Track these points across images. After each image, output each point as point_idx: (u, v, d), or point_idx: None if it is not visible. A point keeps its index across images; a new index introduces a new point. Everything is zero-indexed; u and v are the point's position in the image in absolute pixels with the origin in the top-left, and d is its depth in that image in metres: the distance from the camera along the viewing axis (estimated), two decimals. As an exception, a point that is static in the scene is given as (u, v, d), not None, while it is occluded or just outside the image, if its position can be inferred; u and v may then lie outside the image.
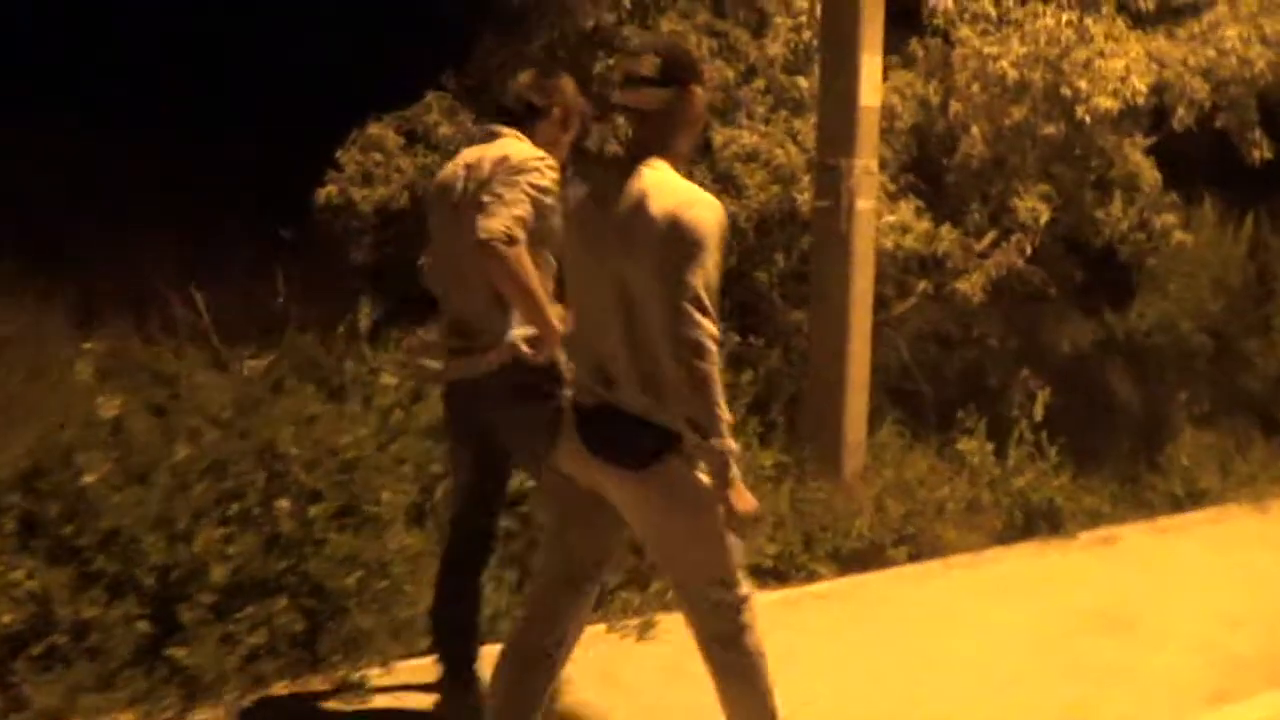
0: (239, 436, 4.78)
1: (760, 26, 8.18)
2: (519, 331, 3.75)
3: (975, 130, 7.08)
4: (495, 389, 3.79)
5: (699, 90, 3.18)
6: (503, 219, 3.51)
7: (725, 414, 2.94)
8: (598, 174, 3.40)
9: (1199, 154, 8.91)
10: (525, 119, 3.91)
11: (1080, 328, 9.08)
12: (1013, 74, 6.92)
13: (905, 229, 7.02)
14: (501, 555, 4.71)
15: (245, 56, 9.25)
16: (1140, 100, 6.79)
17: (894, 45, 7.80)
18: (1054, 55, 6.89)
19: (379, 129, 8.32)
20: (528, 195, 3.60)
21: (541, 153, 3.76)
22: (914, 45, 7.65)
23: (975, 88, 7.31)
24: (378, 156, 8.31)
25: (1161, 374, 9.02)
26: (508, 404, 3.78)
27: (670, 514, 3.13)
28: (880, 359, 7.22)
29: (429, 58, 8.70)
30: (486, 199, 3.61)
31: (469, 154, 3.92)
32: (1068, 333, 8.71)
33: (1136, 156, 7.42)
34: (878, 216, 6.64)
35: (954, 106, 7.14)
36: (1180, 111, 7.31)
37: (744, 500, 2.99)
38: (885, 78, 7.32)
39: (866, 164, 6.36)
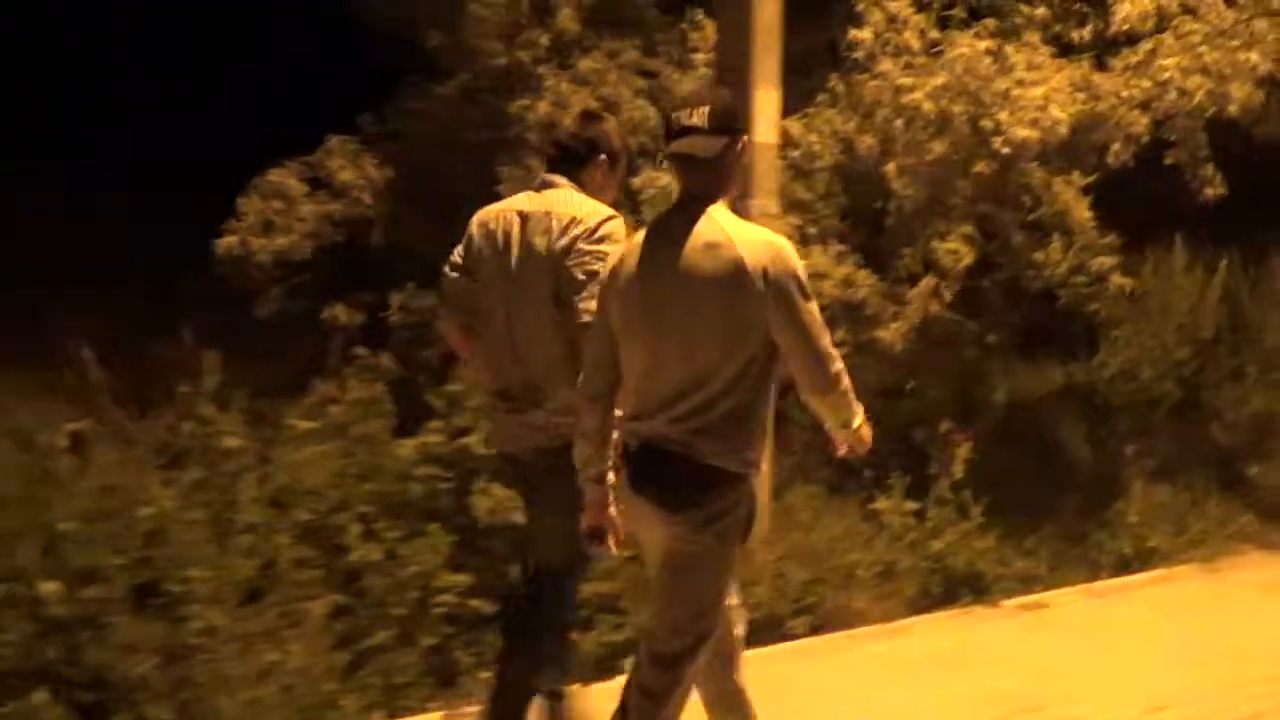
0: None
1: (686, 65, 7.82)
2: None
3: (892, 168, 6.61)
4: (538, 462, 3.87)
5: (744, 140, 3.38)
6: (597, 299, 3.47)
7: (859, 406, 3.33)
8: (651, 228, 3.42)
9: (1166, 193, 8.54)
10: (573, 165, 3.89)
11: (1029, 378, 8.57)
12: (929, 106, 6.48)
13: (823, 275, 6.54)
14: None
15: (147, 101, 8.89)
16: (1062, 130, 6.32)
17: (817, 82, 7.44)
18: (973, 86, 6.45)
19: (280, 175, 7.92)
20: (608, 265, 3.49)
21: (610, 211, 3.78)
22: (834, 82, 7.21)
23: (899, 123, 6.86)
24: (278, 204, 7.91)
25: (1116, 426, 8.49)
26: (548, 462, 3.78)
27: (705, 543, 3.24)
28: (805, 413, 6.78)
29: (340, 101, 8.36)
30: (580, 276, 3.64)
31: (523, 200, 3.90)
32: (1010, 383, 8.18)
33: (1067, 195, 6.92)
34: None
35: (866, 142, 6.68)
36: (1116, 146, 6.83)
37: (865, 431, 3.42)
38: (803, 116, 6.95)
39: (764, 204, 5.93)
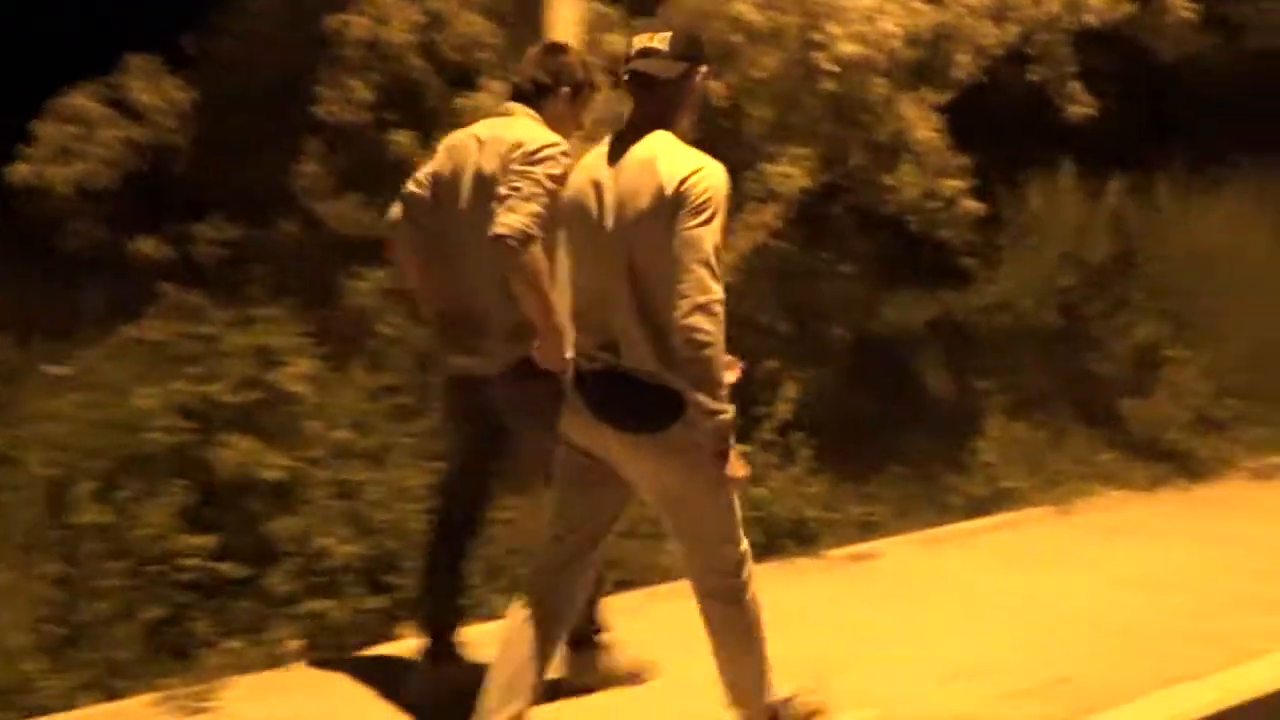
0: None
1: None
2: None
3: (721, 85, 6.06)
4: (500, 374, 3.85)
5: (704, 70, 3.33)
6: (521, 215, 3.52)
7: (726, 379, 3.09)
8: (601, 149, 3.37)
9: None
10: (534, 97, 3.92)
11: (893, 310, 8.10)
12: (756, 18, 5.93)
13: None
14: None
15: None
16: (895, 44, 5.79)
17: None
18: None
19: (78, 98, 7.30)
20: (544, 188, 3.57)
21: (556, 138, 3.73)
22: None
23: (735, 37, 6.29)
24: (75, 129, 7.29)
25: (986, 361, 8.05)
26: (511, 385, 3.81)
27: (685, 474, 3.20)
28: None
29: (151, 19, 7.72)
30: (504, 191, 3.61)
31: (482, 127, 3.95)
32: (867, 317, 7.71)
33: (911, 113, 6.40)
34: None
35: None
36: (961, 58, 6.32)
37: (736, 465, 3.17)
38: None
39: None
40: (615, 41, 6.29)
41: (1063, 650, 4.69)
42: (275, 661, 4.43)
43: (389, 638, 4.68)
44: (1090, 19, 6.44)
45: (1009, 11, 6.34)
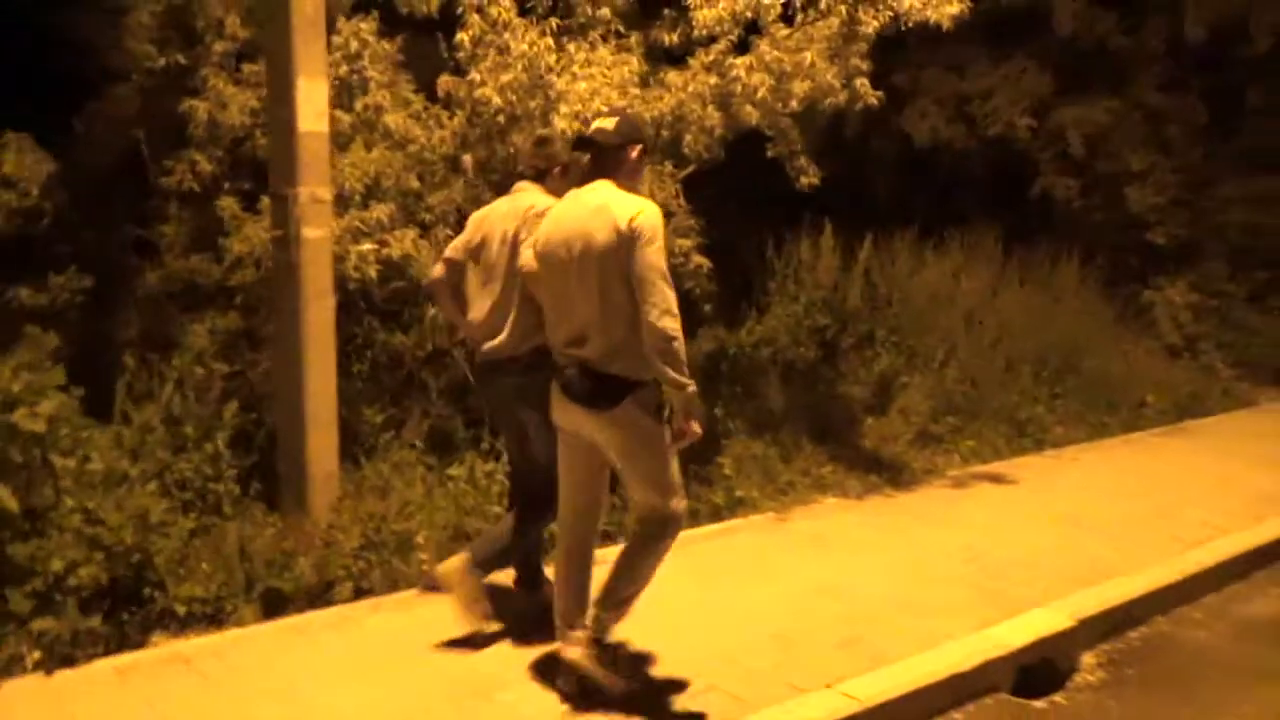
0: None
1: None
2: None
3: (468, 159, 5.71)
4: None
5: (639, 147, 3.75)
6: None
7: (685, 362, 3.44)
8: (566, 199, 3.80)
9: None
10: (534, 178, 4.39)
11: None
12: (498, 101, 5.58)
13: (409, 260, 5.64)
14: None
15: None
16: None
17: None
18: (536, 82, 5.57)
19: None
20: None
21: (554, 201, 4.03)
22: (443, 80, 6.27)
23: (499, 117, 5.96)
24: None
25: (756, 387, 7.74)
26: (519, 373, 4.22)
27: (632, 440, 3.58)
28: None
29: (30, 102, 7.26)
30: (524, 236, 4.11)
31: (502, 203, 4.42)
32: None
33: (650, 182, 6.08)
34: (341, 245, 5.28)
35: (439, 135, 5.76)
36: (688, 139, 6.01)
37: (696, 427, 3.56)
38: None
39: (314, 191, 5.04)
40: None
41: (720, 658, 4.36)
42: (7, 673, 4.00)
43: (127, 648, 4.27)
44: (795, 104, 6.11)
45: (731, 99, 6.00)
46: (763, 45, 6.12)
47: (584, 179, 3.72)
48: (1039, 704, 4.52)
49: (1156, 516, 6.67)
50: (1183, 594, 5.60)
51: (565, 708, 3.83)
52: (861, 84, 6.33)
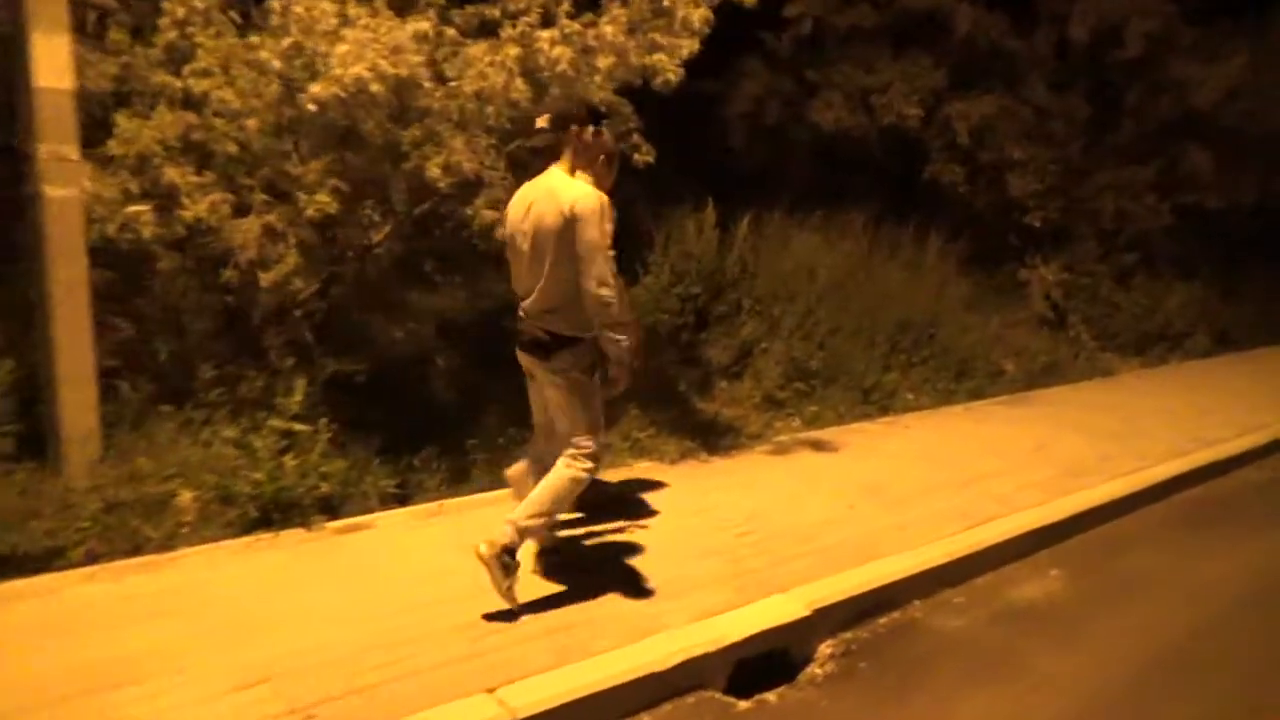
0: None
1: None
2: None
3: (251, 124, 4.58)
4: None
5: (576, 129, 3.54)
6: None
7: (623, 320, 3.45)
8: (526, 185, 3.64)
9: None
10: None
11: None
12: (279, 65, 4.45)
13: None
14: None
15: None
16: (375, 88, 4.33)
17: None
18: (308, 46, 4.42)
19: None
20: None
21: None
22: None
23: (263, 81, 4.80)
24: None
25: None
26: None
27: (563, 385, 3.55)
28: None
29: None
30: None
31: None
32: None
33: (460, 147, 4.90)
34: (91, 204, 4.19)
35: (224, 96, 4.62)
36: (490, 110, 4.85)
37: (624, 378, 3.58)
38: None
39: (57, 149, 3.96)
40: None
41: (386, 652, 3.32)
42: None
43: None
44: (598, 79, 4.95)
45: (537, 73, 4.83)
46: (563, 19, 4.92)
47: (542, 166, 3.61)
48: (744, 704, 3.45)
49: (959, 488, 5.53)
50: (948, 576, 4.49)
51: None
52: (659, 59, 5.10)
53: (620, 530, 4.57)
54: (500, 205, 5.09)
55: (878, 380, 7.51)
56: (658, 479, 5.38)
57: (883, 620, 4.11)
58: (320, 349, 4.89)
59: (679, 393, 6.65)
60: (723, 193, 8.28)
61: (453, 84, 4.79)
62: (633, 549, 4.34)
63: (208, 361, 4.70)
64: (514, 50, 4.77)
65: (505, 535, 3.47)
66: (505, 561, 3.46)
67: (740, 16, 5.58)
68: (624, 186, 4.48)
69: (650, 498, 5.06)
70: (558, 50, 4.79)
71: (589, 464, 3.57)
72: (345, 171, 4.63)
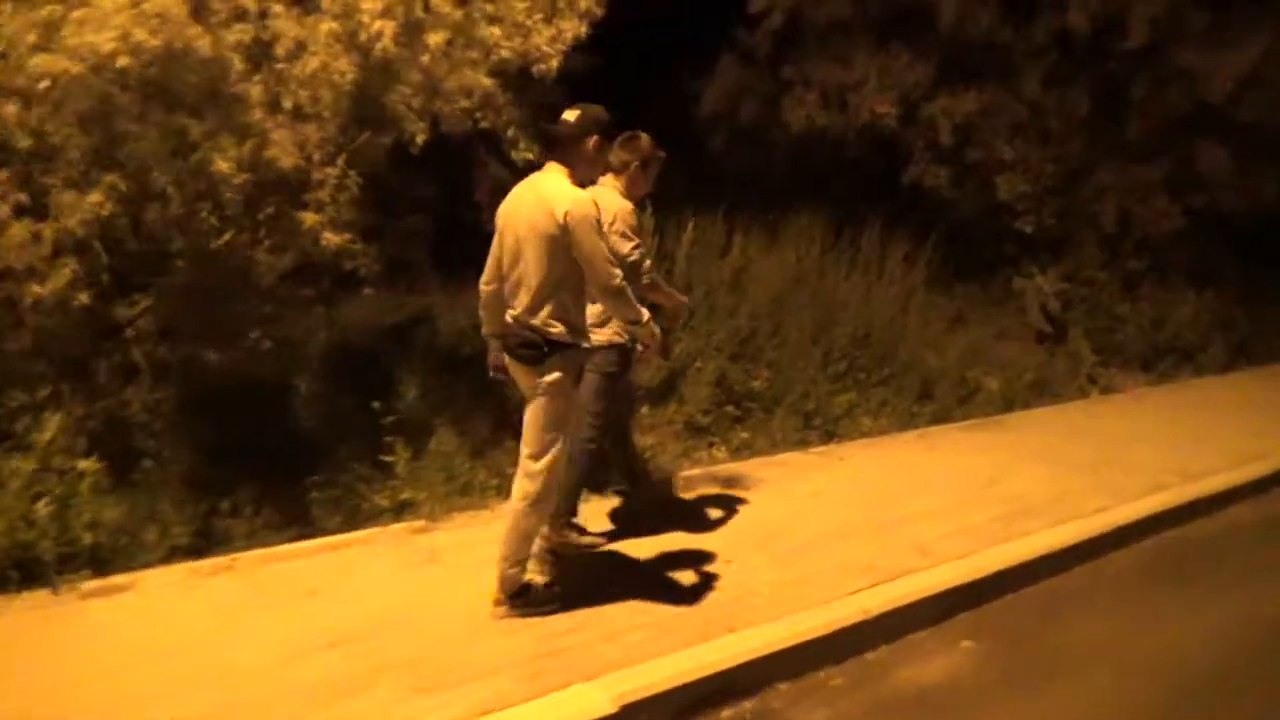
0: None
1: None
2: None
3: (10, 110, 3.90)
4: None
5: (595, 139, 3.41)
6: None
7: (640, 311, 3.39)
8: (523, 183, 3.49)
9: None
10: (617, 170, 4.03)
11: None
12: (32, 38, 3.77)
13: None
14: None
15: None
16: (124, 61, 3.60)
17: None
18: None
19: None
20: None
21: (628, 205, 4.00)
22: None
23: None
24: None
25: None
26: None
27: (546, 391, 3.38)
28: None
29: None
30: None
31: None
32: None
33: (281, 139, 4.19)
34: None
35: None
36: (324, 93, 4.14)
37: (654, 350, 3.52)
38: None
39: None
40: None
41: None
42: None
43: None
44: (425, 59, 4.21)
45: (362, 49, 4.10)
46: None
47: (545, 162, 3.49)
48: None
49: (874, 533, 4.68)
50: (828, 651, 3.66)
51: None
52: (491, 32, 4.35)
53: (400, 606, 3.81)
54: (326, 208, 4.38)
55: (822, 403, 6.65)
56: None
57: (727, 713, 3.29)
58: (117, 374, 4.20)
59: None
60: (701, 197, 7.54)
61: (279, 66, 4.06)
62: (409, 622, 3.56)
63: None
64: (330, 25, 4.03)
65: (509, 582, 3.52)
66: (529, 598, 3.55)
67: (715, 12, 4.89)
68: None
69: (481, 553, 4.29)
70: (379, 24, 4.05)
71: (539, 484, 3.47)
72: (123, 167, 3.93)
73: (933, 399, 7.33)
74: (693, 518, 4.81)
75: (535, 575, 3.64)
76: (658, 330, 3.43)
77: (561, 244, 3.23)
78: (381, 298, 5.59)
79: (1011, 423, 7.33)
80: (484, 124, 5.04)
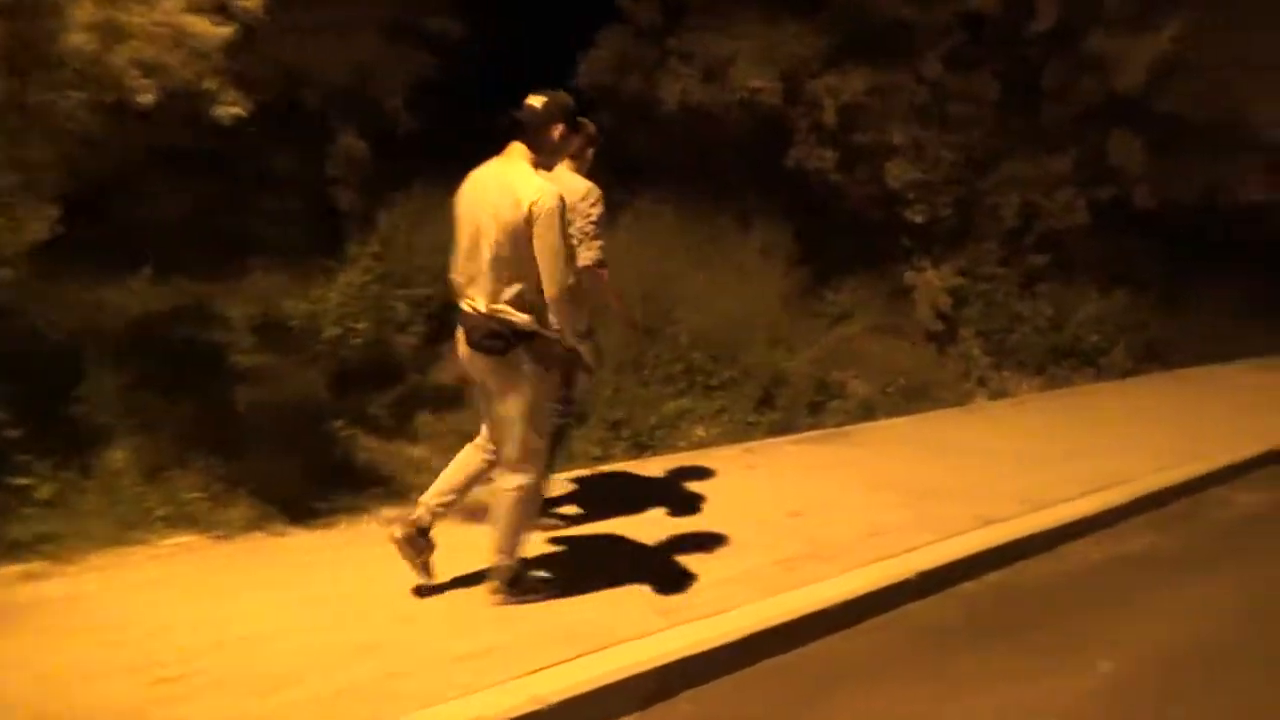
0: None
1: None
2: None
3: None
4: None
5: (561, 128, 3.31)
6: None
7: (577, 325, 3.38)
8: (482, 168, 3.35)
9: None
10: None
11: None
12: None
13: None
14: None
15: None
16: None
17: None
18: None
19: None
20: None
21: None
22: None
23: None
24: None
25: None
26: None
27: (516, 384, 3.25)
28: None
29: None
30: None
31: None
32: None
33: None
34: None
35: None
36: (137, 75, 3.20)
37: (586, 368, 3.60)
38: None
39: None
40: None
41: None
42: None
43: None
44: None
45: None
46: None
47: (508, 149, 3.30)
48: None
49: (611, 591, 3.79)
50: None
51: None
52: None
53: None
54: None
55: (636, 411, 5.76)
56: (179, 570, 3.68)
57: None
58: None
59: (338, 432, 4.93)
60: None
61: None
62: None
63: None
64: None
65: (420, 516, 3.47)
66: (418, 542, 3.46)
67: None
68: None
69: (118, 607, 3.37)
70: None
71: (535, 476, 3.42)
72: None
73: (775, 406, 6.47)
74: (348, 574, 3.90)
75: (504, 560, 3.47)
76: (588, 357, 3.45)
77: (525, 235, 3.13)
78: (151, 286, 4.67)
79: (862, 435, 6.49)
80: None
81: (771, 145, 9.23)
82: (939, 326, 9.19)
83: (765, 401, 6.41)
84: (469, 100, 6.57)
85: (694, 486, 5.04)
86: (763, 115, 8.93)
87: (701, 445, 5.86)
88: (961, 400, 8.12)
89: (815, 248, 8.71)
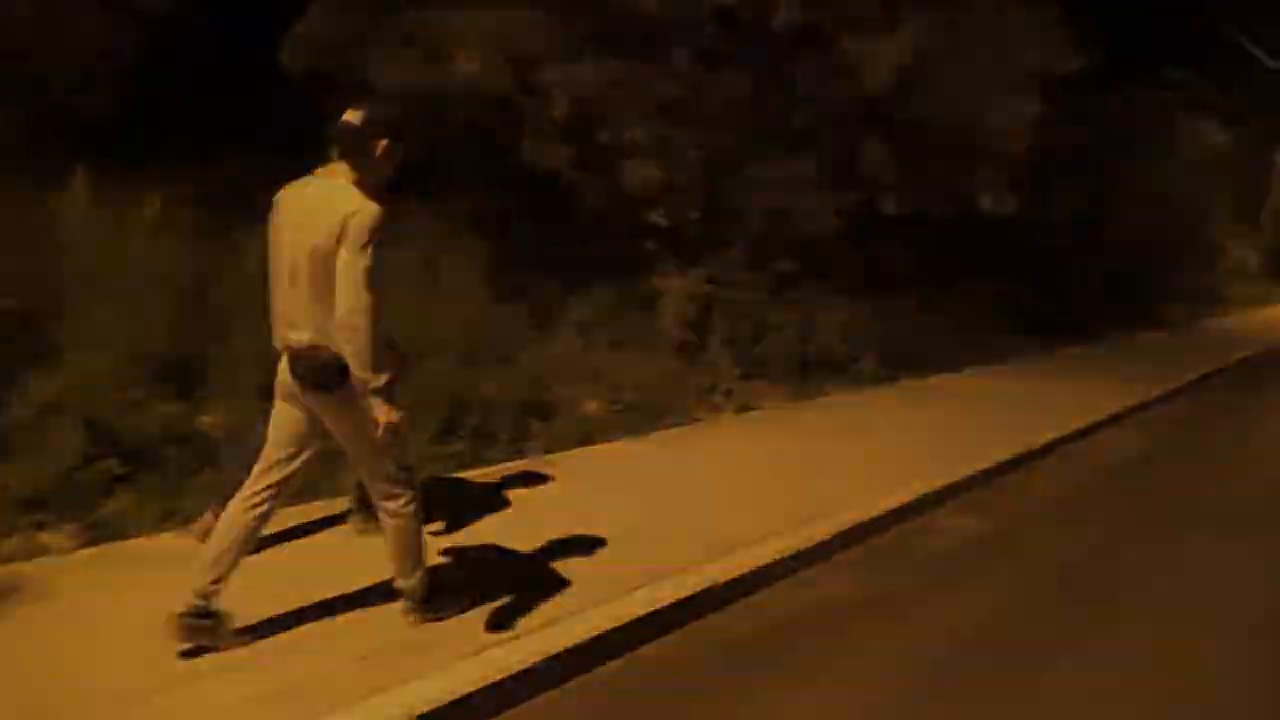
0: None
1: None
2: None
3: None
4: None
5: (384, 141, 3.01)
6: None
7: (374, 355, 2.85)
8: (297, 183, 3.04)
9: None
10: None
11: None
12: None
13: None
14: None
15: None
16: None
17: None
18: None
19: None
20: None
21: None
22: None
23: None
24: None
25: None
26: None
27: (355, 419, 3.00)
28: None
29: None
30: None
31: None
32: None
33: None
34: None
35: None
36: None
37: (388, 413, 2.92)
38: None
39: None
40: None
41: None
42: None
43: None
44: None
45: None
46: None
47: (327, 162, 3.01)
48: None
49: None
50: None
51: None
52: None
53: None
54: None
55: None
56: None
57: None
58: None
59: None
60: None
61: None
62: None
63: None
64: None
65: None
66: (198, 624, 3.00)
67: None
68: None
69: None
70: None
71: (408, 495, 3.17)
72: None
73: (458, 434, 5.52)
74: None
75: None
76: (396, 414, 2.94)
77: (333, 252, 2.83)
78: None
79: (569, 464, 5.63)
80: None
81: (507, 141, 8.34)
82: (686, 336, 8.55)
83: (448, 431, 5.44)
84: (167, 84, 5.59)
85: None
86: (492, 105, 8.02)
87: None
88: (706, 415, 7.48)
89: (556, 252, 7.90)
